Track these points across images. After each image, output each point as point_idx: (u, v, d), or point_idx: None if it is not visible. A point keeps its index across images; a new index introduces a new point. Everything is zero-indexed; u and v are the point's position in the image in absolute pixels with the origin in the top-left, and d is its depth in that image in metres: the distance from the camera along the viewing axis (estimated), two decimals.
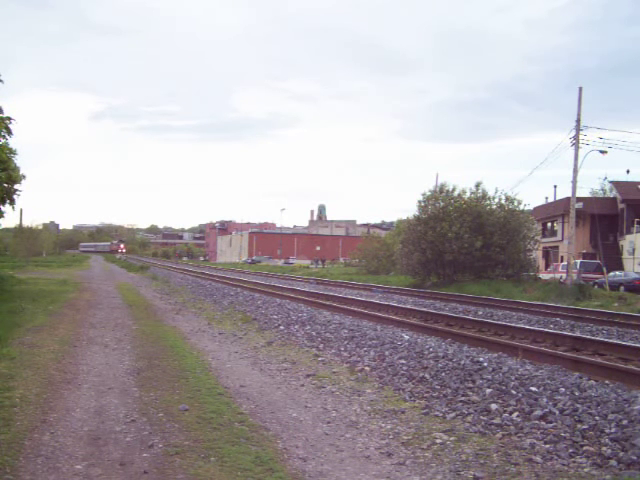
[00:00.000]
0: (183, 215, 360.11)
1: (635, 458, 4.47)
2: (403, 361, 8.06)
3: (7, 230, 66.18)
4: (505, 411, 5.76)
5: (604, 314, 16.50)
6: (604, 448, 4.73)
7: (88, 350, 9.20)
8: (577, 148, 28.70)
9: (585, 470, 4.43)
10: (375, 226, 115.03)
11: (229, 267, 65.54)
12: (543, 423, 5.34)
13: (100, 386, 6.80)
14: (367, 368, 7.97)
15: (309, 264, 76.92)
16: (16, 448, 4.60)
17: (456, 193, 31.28)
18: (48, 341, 9.64)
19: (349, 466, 4.57)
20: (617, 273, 31.12)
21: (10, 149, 17.86)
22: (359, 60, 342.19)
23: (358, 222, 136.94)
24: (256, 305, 16.17)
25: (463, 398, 6.29)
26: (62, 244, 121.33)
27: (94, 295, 20.12)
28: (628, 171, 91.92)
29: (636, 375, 7.12)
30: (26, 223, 60.53)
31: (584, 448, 4.79)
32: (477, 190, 31.38)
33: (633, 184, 42.82)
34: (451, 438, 5.16)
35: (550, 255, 46.52)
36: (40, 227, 76.06)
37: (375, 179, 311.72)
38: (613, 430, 5.01)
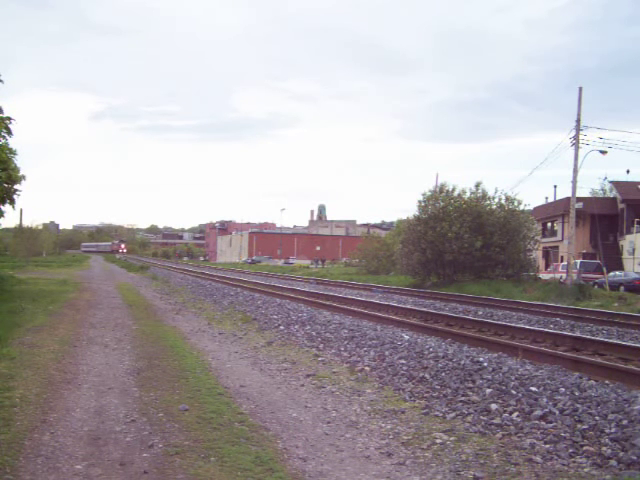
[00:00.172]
0: (183, 215, 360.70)
1: (635, 458, 4.47)
2: (403, 361, 8.06)
3: (7, 230, 66.20)
4: (505, 411, 5.76)
5: (604, 314, 16.50)
6: (604, 448, 4.73)
7: (88, 350, 9.20)
8: (577, 148, 28.71)
9: (585, 470, 4.43)
10: (375, 226, 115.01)
11: (229, 267, 65.54)
12: (543, 423, 5.34)
13: (100, 386, 6.80)
14: (367, 368, 7.97)
15: (309, 264, 76.91)
16: (16, 448, 4.60)
17: (456, 193, 31.30)
18: (48, 341, 9.64)
19: (349, 466, 4.57)
20: (617, 273, 31.12)
21: (10, 149, 17.84)
22: (359, 60, 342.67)
23: (358, 222, 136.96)
24: (256, 305, 16.17)
25: (463, 398, 6.29)
26: (62, 244, 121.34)
27: (94, 295, 20.12)
28: (628, 171, 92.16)
29: (636, 375, 7.12)
30: (26, 223, 60.65)
31: (584, 448, 4.79)
32: (477, 190, 31.41)
33: (633, 184, 42.83)
34: (451, 438, 5.16)
35: (550, 255, 46.53)
36: (40, 227, 76.04)
37: (375, 179, 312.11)
38: (613, 430, 5.01)
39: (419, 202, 31.59)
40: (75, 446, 4.76)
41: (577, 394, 6.06)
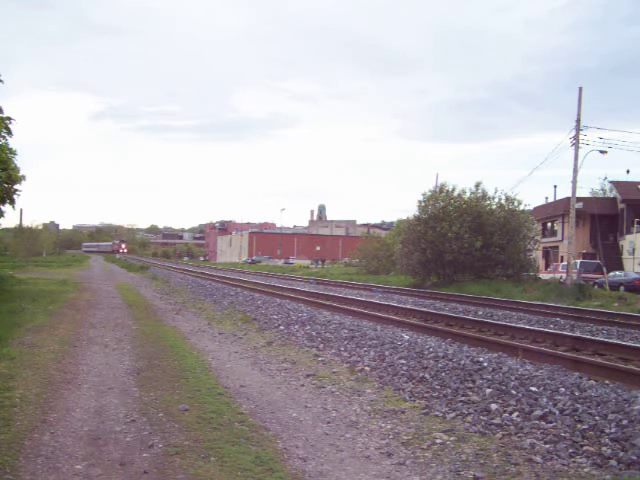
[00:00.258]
0: (183, 215, 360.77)
1: (635, 458, 4.47)
2: (403, 361, 8.06)
3: (7, 230, 66.14)
4: (505, 411, 5.76)
5: (604, 314, 16.50)
6: (604, 448, 4.73)
7: (88, 350, 9.20)
8: (577, 148, 28.72)
9: (585, 470, 4.43)
10: (375, 226, 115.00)
11: (229, 267, 65.53)
12: (543, 423, 5.34)
13: (100, 386, 6.80)
14: (367, 368, 7.97)
15: (309, 264, 76.91)
16: (16, 448, 4.60)
17: (456, 193, 31.30)
18: (48, 341, 9.64)
19: (349, 466, 4.57)
20: (617, 273, 31.12)
21: (10, 149, 17.84)
22: (359, 60, 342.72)
23: (358, 222, 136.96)
24: (256, 305, 16.17)
25: (463, 398, 6.29)
26: (62, 244, 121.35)
27: (94, 295, 20.12)
28: (628, 171, 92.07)
29: (636, 375, 7.12)
30: (26, 223, 60.65)
31: (584, 448, 4.79)
32: (477, 190, 31.41)
33: (633, 184, 42.83)
34: (451, 438, 5.16)
35: (550, 255, 46.53)
36: (40, 227, 76.03)
37: (375, 179, 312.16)
38: (613, 430, 5.01)
39: (419, 202, 31.61)
40: (75, 446, 4.76)
41: (577, 394, 6.06)
